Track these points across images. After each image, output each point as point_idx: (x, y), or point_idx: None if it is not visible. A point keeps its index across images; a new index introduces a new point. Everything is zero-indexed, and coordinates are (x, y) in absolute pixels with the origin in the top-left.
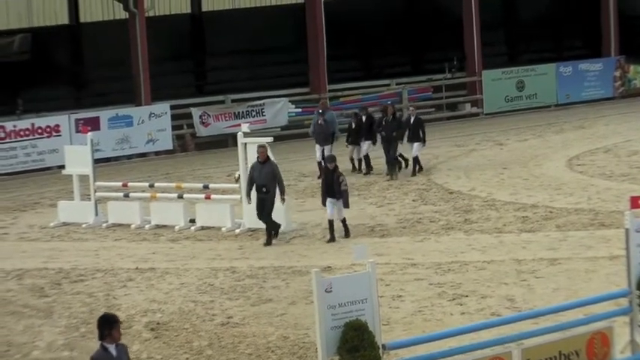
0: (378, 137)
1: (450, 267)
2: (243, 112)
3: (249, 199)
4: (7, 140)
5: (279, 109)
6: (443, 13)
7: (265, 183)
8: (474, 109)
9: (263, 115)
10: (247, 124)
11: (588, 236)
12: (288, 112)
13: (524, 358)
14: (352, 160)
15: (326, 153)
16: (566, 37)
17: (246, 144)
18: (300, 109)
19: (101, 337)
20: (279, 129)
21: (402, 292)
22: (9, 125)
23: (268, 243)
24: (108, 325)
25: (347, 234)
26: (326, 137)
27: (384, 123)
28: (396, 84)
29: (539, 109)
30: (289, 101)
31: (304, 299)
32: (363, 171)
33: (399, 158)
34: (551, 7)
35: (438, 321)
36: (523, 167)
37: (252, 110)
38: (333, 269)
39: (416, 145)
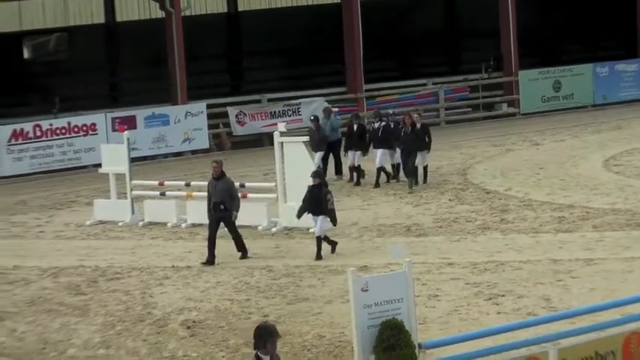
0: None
1: (487, 267)
2: (279, 112)
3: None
4: (44, 139)
5: (315, 108)
6: (479, 12)
7: (221, 199)
8: (511, 109)
9: (299, 115)
10: (284, 124)
11: (625, 237)
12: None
13: (561, 358)
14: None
15: (315, 160)
16: (601, 37)
17: (282, 143)
18: (336, 109)
19: (256, 347)
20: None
21: (439, 291)
22: (45, 124)
23: (244, 257)
24: (267, 336)
25: (333, 249)
26: (317, 143)
27: (402, 134)
28: (433, 83)
29: (575, 109)
30: (325, 101)
31: (340, 298)
32: (354, 180)
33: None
34: (587, 8)
35: (474, 320)
36: (560, 167)
37: (289, 109)
38: (369, 268)
39: (424, 154)
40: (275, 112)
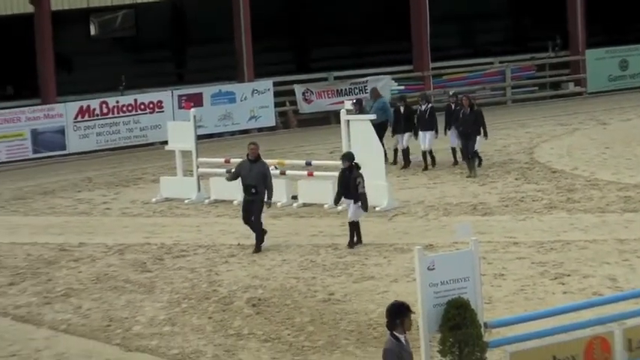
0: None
1: (552, 246)
2: (346, 90)
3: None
4: (110, 116)
5: (382, 86)
6: None
7: (255, 183)
8: (577, 88)
9: (366, 93)
10: (350, 102)
11: None
12: (391, 90)
13: (626, 337)
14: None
15: None
16: None
17: (349, 121)
18: (402, 87)
19: (391, 327)
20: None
21: (504, 270)
22: (112, 101)
23: (257, 250)
24: (400, 314)
25: (358, 240)
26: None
27: (460, 116)
28: (500, 62)
29: None
30: (392, 79)
31: (406, 277)
32: (400, 164)
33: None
34: None
35: (539, 300)
36: (626, 147)
37: (355, 87)
38: (435, 247)
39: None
40: (342, 89)
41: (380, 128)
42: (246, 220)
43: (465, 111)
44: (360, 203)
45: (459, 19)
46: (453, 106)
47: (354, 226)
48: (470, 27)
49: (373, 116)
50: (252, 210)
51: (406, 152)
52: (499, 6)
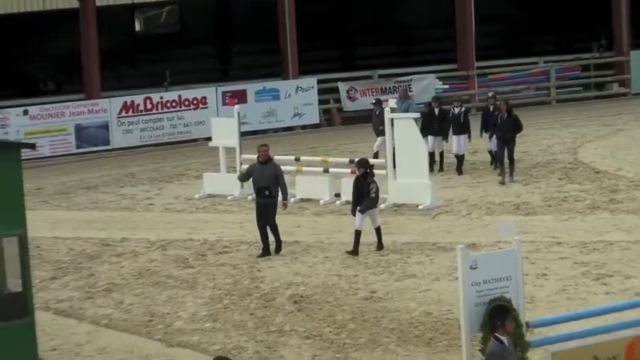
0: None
1: (595, 246)
2: (390, 88)
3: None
4: (154, 112)
5: (426, 85)
6: None
7: (267, 185)
8: (622, 89)
9: (410, 91)
10: (394, 100)
11: None
12: (435, 89)
13: None
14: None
15: (375, 145)
16: None
17: (392, 119)
18: (447, 86)
19: (493, 329)
20: (424, 105)
21: (547, 270)
22: (156, 97)
23: (278, 250)
24: (500, 315)
25: (379, 245)
26: (378, 127)
27: (499, 121)
28: (544, 62)
29: None
30: (436, 77)
31: (448, 276)
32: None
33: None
34: None
35: (581, 300)
36: None
37: (399, 86)
38: (478, 246)
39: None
40: (386, 88)
41: None
42: (260, 224)
43: (502, 115)
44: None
45: (504, 19)
46: (491, 108)
47: (359, 235)
48: (515, 27)
49: (417, 115)
50: (267, 215)
51: (441, 155)
52: (544, 7)
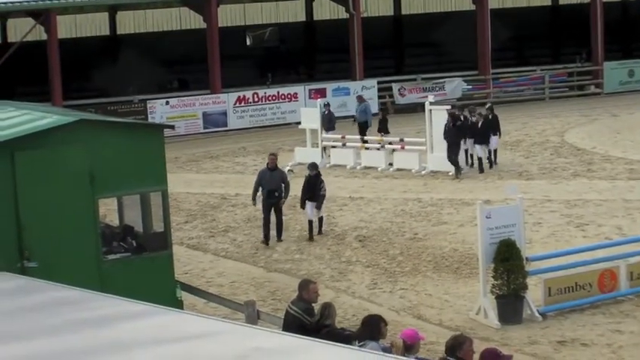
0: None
1: (576, 203)
2: (429, 87)
3: (255, 201)
4: (260, 103)
5: (456, 85)
6: (576, 15)
7: (276, 188)
8: (597, 90)
9: (444, 90)
10: (432, 96)
11: None
12: (462, 88)
13: (628, 271)
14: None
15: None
16: None
17: (431, 110)
18: (470, 86)
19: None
20: (455, 100)
21: (541, 220)
22: (261, 92)
23: (279, 235)
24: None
25: (319, 231)
26: (328, 124)
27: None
28: (541, 69)
29: None
30: (463, 80)
31: (470, 223)
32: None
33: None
34: None
35: (566, 242)
36: (631, 132)
37: (436, 86)
38: (492, 202)
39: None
40: (426, 87)
41: (363, 127)
42: (266, 218)
43: (448, 124)
44: (316, 204)
45: (513, 38)
46: (469, 118)
47: (312, 224)
48: (520, 44)
49: (448, 106)
50: (275, 210)
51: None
52: (542, 29)
